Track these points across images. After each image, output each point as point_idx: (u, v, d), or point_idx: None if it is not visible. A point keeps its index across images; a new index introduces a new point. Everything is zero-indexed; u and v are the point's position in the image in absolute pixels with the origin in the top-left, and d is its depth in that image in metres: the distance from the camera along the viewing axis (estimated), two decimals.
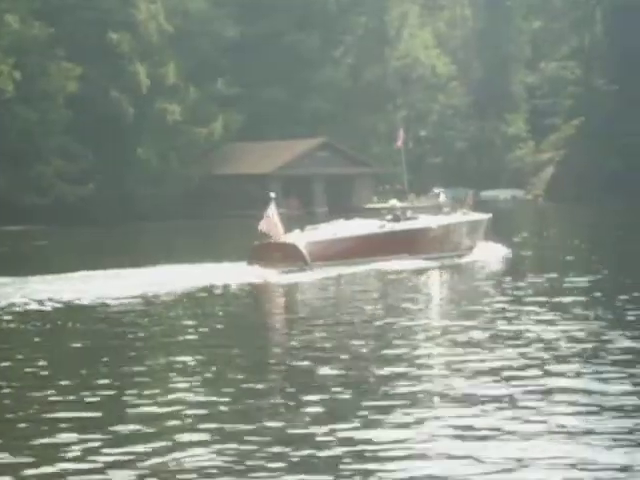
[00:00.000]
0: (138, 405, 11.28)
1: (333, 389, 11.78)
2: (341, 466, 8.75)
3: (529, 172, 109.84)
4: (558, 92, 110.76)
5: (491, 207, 48.45)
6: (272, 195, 28.04)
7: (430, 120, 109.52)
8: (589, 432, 9.52)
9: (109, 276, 25.49)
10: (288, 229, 28.25)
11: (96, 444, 9.58)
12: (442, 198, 37.94)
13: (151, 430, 10.12)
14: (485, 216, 33.07)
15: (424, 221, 30.55)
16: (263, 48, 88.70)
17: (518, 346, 14.17)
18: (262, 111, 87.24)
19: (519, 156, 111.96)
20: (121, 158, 79.24)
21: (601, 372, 12.18)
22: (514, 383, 11.70)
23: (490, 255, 30.32)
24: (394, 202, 32.23)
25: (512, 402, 10.78)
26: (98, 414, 10.88)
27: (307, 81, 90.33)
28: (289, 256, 26.95)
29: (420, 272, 26.74)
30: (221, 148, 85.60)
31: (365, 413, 10.53)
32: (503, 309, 18.34)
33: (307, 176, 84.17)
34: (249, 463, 8.91)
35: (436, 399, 11.15)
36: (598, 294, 20.48)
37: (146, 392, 11.95)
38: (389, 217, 30.17)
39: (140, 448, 9.41)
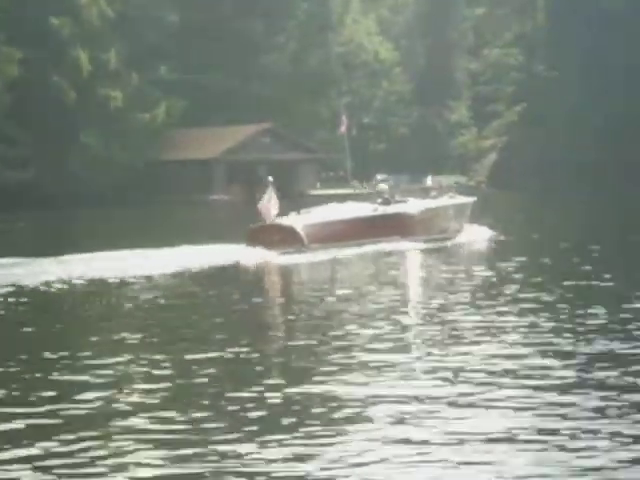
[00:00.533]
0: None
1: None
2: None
3: (472, 158, 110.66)
4: (501, 78, 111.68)
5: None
6: (270, 179, 28.53)
7: (373, 106, 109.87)
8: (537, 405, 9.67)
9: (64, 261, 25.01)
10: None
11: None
12: (429, 182, 38.68)
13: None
14: (470, 199, 33.78)
15: (414, 204, 31.15)
16: (206, 34, 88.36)
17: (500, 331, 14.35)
18: (205, 97, 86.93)
19: (462, 142, 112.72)
20: (63, 143, 78.58)
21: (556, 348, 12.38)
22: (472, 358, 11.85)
23: (477, 237, 31.16)
24: (383, 187, 32.77)
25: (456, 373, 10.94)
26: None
27: (250, 67, 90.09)
28: (287, 238, 27.36)
29: (414, 253, 27.49)
30: (165, 134, 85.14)
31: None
32: (493, 290, 18.48)
33: (251, 162, 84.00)
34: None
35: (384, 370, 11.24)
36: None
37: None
38: (379, 200, 30.69)
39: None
